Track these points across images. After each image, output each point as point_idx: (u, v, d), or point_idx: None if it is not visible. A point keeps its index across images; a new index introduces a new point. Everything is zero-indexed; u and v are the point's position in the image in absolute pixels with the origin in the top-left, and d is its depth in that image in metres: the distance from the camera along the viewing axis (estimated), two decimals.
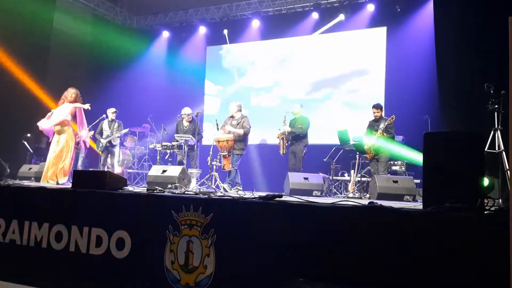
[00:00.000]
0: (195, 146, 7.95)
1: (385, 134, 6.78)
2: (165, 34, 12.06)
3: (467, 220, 2.56)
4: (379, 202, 3.36)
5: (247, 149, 7.58)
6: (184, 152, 7.71)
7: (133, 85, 11.66)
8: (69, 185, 5.57)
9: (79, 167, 8.96)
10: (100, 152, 8.83)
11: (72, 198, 3.98)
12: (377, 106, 7.15)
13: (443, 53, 8.05)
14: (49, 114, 6.27)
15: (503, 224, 2.31)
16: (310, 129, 7.76)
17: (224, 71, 11.51)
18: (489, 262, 2.43)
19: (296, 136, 7.61)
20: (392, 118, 6.80)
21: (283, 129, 7.71)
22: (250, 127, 7.48)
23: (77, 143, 6.69)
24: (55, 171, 5.93)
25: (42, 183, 5.72)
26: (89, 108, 6.36)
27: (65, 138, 6.10)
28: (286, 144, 7.69)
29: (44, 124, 6.23)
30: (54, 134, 6.18)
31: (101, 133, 8.79)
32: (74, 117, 6.39)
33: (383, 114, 7.18)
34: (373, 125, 7.12)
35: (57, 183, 5.83)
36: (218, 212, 3.26)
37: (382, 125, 6.86)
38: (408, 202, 5.21)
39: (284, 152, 7.70)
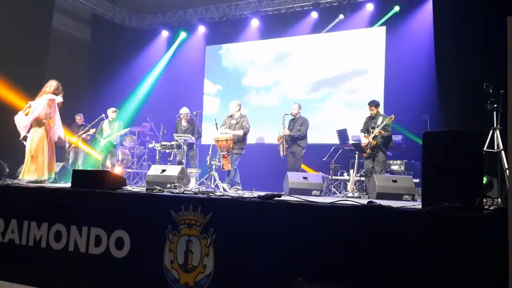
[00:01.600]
0: (194, 145, 7.94)
1: (383, 132, 6.79)
2: (164, 33, 12.06)
3: (466, 220, 2.56)
4: (378, 201, 3.37)
5: (246, 148, 7.58)
6: (183, 151, 7.71)
7: (132, 85, 11.65)
8: (48, 183, 5.53)
9: (79, 166, 8.97)
10: (99, 153, 8.82)
11: (71, 198, 3.98)
12: (372, 104, 7.14)
13: (443, 52, 8.05)
14: (26, 106, 5.97)
15: (502, 223, 2.31)
16: (310, 129, 7.75)
17: (223, 70, 11.51)
18: (488, 261, 2.43)
19: (296, 138, 7.60)
20: (391, 117, 6.79)
21: (283, 132, 7.69)
22: (249, 126, 7.48)
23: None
24: (36, 168, 5.70)
25: (21, 180, 5.56)
26: (62, 100, 6.07)
27: (39, 134, 5.85)
28: (286, 146, 7.68)
29: (20, 119, 5.90)
30: (30, 129, 5.87)
31: (101, 133, 8.77)
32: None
33: (379, 110, 7.18)
34: (369, 122, 7.10)
35: (37, 181, 5.62)
36: (217, 211, 3.26)
37: (379, 122, 6.87)
38: (407, 202, 5.21)
39: (285, 154, 7.69)
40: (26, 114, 5.93)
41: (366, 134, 6.98)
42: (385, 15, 9.57)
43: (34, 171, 5.71)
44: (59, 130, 6.11)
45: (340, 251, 2.83)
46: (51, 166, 5.94)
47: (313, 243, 2.90)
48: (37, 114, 5.85)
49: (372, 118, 7.08)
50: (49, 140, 5.94)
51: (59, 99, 6.04)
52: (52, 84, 6.11)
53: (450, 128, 7.10)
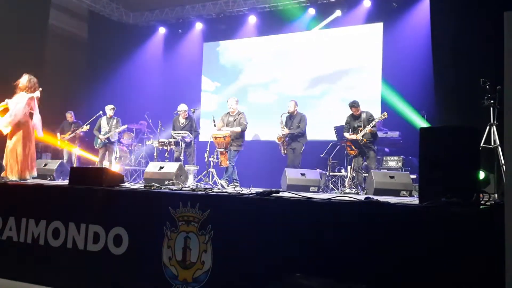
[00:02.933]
0: (192, 142, 7.95)
1: (373, 129, 6.87)
2: (162, 30, 12.04)
3: (463, 215, 2.58)
4: (376, 197, 3.38)
5: (244, 145, 7.58)
6: (181, 148, 7.71)
7: (130, 82, 11.64)
8: (30, 181, 5.48)
9: (74, 163, 8.97)
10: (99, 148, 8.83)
11: (69, 195, 3.98)
12: (355, 105, 7.15)
13: (440, 48, 8.06)
14: (3, 103, 5.72)
15: (499, 219, 2.32)
16: (307, 125, 7.75)
17: (221, 67, 11.50)
18: (484, 256, 2.45)
19: (296, 135, 7.59)
20: (384, 115, 6.85)
21: (282, 132, 7.67)
22: (247, 123, 7.48)
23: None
24: (17, 168, 5.57)
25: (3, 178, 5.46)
26: (39, 96, 5.82)
27: (20, 134, 5.66)
28: (286, 144, 7.67)
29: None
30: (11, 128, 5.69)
31: (99, 130, 8.77)
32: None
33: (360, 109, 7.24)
34: (352, 122, 7.17)
35: (20, 179, 5.53)
36: (215, 208, 3.26)
37: (364, 118, 6.98)
38: (405, 197, 5.23)
39: (285, 152, 7.69)
40: (3, 110, 5.70)
41: (351, 133, 7.07)
42: (381, 11, 9.58)
43: (16, 171, 5.56)
44: (39, 130, 5.95)
45: (337, 247, 2.84)
46: (32, 165, 5.83)
47: (311, 239, 2.91)
48: (18, 117, 5.64)
49: (356, 118, 7.14)
50: (30, 139, 5.83)
51: (37, 94, 5.80)
52: (24, 78, 5.86)
53: (447, 124, 7.15)
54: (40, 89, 5.92)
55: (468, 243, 2.51)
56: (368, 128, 6.83)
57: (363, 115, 7.04)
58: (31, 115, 5.86)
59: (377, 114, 7.54)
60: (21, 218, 4.01)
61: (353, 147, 7.11)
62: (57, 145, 9.30)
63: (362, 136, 6.88)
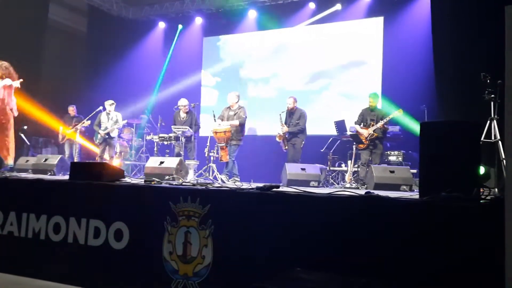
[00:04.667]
0: (193, 137, 7.95)
1: (386, 126, 6.89)
2: (161, 25, 12.00)
3: (463, 209, 2.58)
4: (376, 192, 3.38)
5: (244, 140, 7.58)
6: (182, 143, 7.71)
7: (130, 77, 11.61)
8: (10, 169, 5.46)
9: (75, 158, 8.98)
10: (97, 145, 8.83)
11: (70, 190, 3.99)
12: (374, 96, 7.18)
13: (440, 42, 8.03)
14: None
15: (499, 213, 2.32)
16: (308, 120, 7.74)
17: (221, 62, 11.47)
18: (484, 251, 2.45)
19: (295, 132, 7.59)
20: (399, 111, 6.88)
21: (282, 131, 7.66)
22: (246, 117, 7.48)
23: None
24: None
25: None
26: (19, 86, 5.84)
27: (1, 121, 5.73)
28: (287, 140, 7.66)
29: None
30: None
31: (99, 125, 8.77)
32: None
33: (378, 105, 7.25)
34: (367, 114, 7.14)
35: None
36: (215, 203, 3.27)
37: (378, 114, 6.98)
38: (405, 192, 5.23)
39: (287, 148, 7.70)
40: None
41: (363, 126, 7.03)
42: (382, 5, 9.54)
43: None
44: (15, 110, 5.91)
45: (338, 241, 2.84)
46: (13, 152, 5.82)
47: (311, 234, 2.92)
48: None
49: (371, 111, 7.12)
50: (7, 126, 5.79)
51: (16, 84, 5.80)
52: None
53: (448, 118, 7.14)
54: (21, 80, 5.87)
55: (468, 237, 2.51)
56: (379, 124, 6.84)
57: (377, 111, 7.05)
58: (4, 101, 5.81)
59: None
60: (21, 213, 4.02)
61: (358, 140, 7.09)
62: (63, 132, 9.28)
63: (373, 131, 6.87)
